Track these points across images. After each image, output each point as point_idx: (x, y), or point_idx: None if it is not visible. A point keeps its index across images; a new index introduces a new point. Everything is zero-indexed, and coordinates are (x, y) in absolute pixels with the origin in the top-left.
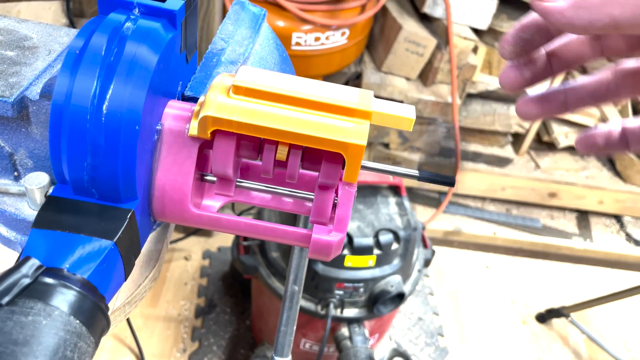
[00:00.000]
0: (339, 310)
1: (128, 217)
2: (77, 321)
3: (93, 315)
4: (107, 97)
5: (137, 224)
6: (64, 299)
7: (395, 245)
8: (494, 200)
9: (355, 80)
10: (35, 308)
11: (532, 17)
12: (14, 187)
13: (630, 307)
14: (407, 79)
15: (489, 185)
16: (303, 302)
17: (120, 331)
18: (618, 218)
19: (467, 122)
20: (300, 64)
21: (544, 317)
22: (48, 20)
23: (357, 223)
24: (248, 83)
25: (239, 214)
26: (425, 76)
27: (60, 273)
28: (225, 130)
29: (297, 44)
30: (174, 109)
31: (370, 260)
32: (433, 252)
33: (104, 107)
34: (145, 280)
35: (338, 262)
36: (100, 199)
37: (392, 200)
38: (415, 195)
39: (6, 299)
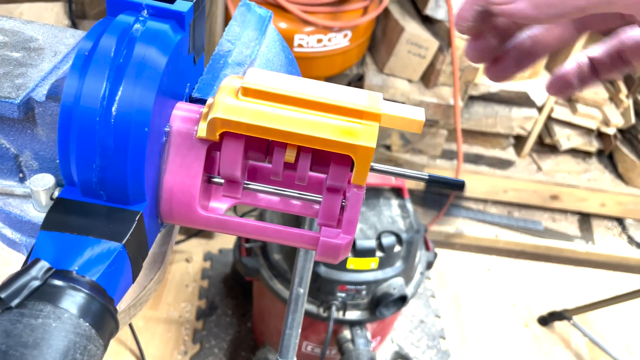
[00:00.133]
0: (341, 312)
1: (136, 219)
2: (87, 324)
3: (102, 318)
4: (117, 98)
5: (145, 226)
6: (73, 301)
7: (397, 248)
8: (495, 202)
9: (357, 82)
10: (45, 310)
11: None
12: (19, 189)
13: (633, 310)
14: (409, 80)
15: (490, 187)
16: (305, 305)
17: (121, 333)
18: (620, 221)
19: (469, 124)
20: (302, 65)
21: (546, 320)
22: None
23: (359, 225)
24: (257, 85)
25: (241, 216)
26: (427, 78)
27: (69, 275)
28: (234, 132)
29: (300, 45)
30: (182, 111)
31: (373, 262)
32: (435, 255)
33: (113, 108)
34: (150, 283)
35: (340, 264)
36: (108, 201)
37: (395, 202)
38: (417, 198)
39: (16, 302)
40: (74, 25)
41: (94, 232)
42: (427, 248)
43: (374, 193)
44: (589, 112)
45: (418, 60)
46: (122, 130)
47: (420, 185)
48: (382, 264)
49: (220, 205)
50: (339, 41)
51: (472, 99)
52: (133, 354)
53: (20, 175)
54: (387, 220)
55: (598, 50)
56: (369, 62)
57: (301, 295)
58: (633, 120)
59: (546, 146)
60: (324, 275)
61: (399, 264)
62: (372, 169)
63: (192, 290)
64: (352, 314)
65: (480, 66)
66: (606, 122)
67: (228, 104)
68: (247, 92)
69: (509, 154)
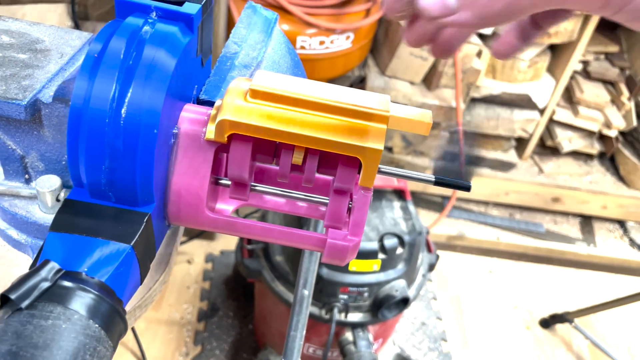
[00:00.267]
0: (343, 314)
1: (145, 220)
2: (96, 325)
3: (111, 319)
4: (126, 100)
5: (153, 227)
6: (83, 302)
7: (400, 250)
8: (497, 204)
9: (359, 84)
10: (55, 312)
11: None
12: (25, 190)
13: (634, 313)
14: (411, 83)
15: (492, 189)
16: None
17: None
18: (622, 223)
19: (471, 126)
20: (305, 67)
21: (547, 323)
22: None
23: None
24: (265, 87)
25: (244, 217)
26: (429, 80)
27: (78, 276)
28: (242, 134)
29: (302, 47)
30: (190, 113)
31: (375, 264)
32: (437, 257)
33: (123, 110)
34: (155, 284)
35: (342, 266)
36: (116, 203)
37: (397, 204)
38: (418, 200)
39: (26, 303)
40: (77, 26)
41: (102, 233)
42: (429, 250)
43: (376, 195)
44: (590, 114)
45: (420, 62)
46: (132, 132)
47: (421, 187)
48: (384, 266)
49: (226, 206)
50: (341, 43)
51: (474, 101)
52: (134, 355)
53: (26, 176)
54: (389, 222)
55: None
56: (371, 64)
57: (306, 297)
58: (635, 122)
59: (548, 148)
60: (326, 277)
61: (401, 266)
62: (379, 171)
63: (194, 291)
64: (354, 316)
65: (482, 69)
66: (608, 125)
67: (236, 106)
68: (256, 94)
69: (511, 156)
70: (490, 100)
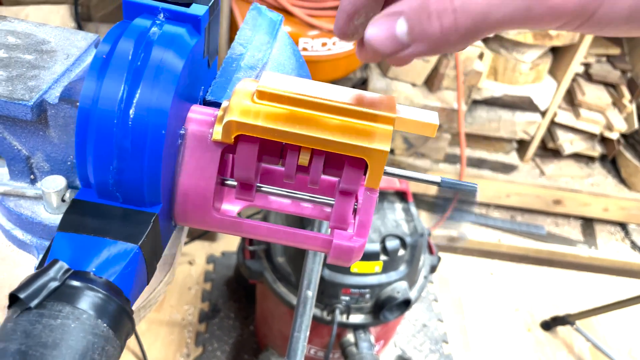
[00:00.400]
0: (344, 316)
1: (152, 221)
2: (105, 325)
3: (119, 319)
4: (134, 101)
5: (160, 227)
6: (91, 302)
7: (401, 251)
8: (498, 206)
9: (361, 85)
10: (64, 311)
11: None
12: (31, 190)
13: (635, 315)
14: (413, 84)
15: (493, 191)
16: None
17: None
18: (623, 226)
19: (473, 128)
20: None
21: (548, 325)
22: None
23: None
24: (272, 88)
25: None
26: (431, 82)
27: (86, 276)
28: (249, 135)
29: (304, 49)
30: (197, 114)
31: (377, 266)
32: (439, 259)
33: (131, 111)
34: (160, 285)
35: (344, 267)
36: (124, 203)
37: (399, 206)
38: (420, 201)
39: (35, 302)
40: (80, 27)
41: (110, 233)
42: (431, 252)
43: (378, 196)
44: (592, 116)
45: (422, 64)
46: (140, 132)
47: (422, 189)
48: (386, 268)
49: (232, 207)
50: (343, 45)
51: (476, 103)
52: (136, 356)
53: (32, 176)
54: (391, 224)
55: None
56: (372, 66)
57: (309, 298)
58: (636, 125)
59: (549, 151)
60: (328, 278)
61: (403, 268)
62: (385, 173)
63: (195, 292)
64: (356, 318)
65: (484, 71)
66: (609, 127)
67: (244, 107)
68: (263, 95)
69: (512, 158)
70: (491, 102)
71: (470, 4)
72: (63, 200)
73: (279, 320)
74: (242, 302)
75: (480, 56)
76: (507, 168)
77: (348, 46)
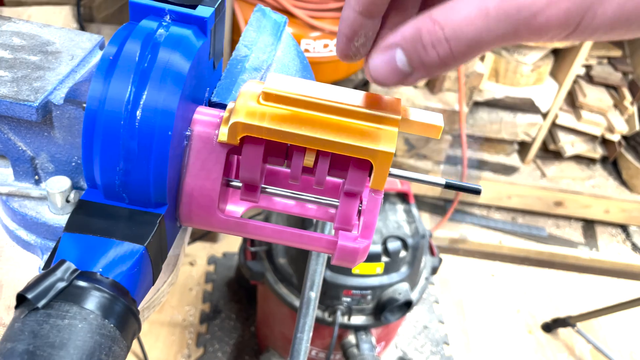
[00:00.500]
0: (346, 317)
1: (158, 221)
2: (111, 325)
3: (126, 319)
4: (141, 102)
5: (166, 228)
6: (98, 302)
7: (403, 253)
8: (499, 208)
9: (362, 87)
10: (71, 311)
11: (352, 20)
12: (35, 191)
13: (637, 317)
14: (414, 86)
15: (495, 193)
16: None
17: None
18: (624, 228)
19: (474, 130)
20: None
21: (549, 327)
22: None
23: None
24: (278, 90)
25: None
26: (432, 84)
27: (93, 276)
28: (254, 137)
29: (306, 50)
30: (202, 115)
31: (378, 267)
32: (440, 260)
33: (138, 112)
34: (164, 285)
35: (346, 269)
36: (130, 204)
37: (400, 207)
38: (421, 203)
39: (42, 302)
40: (82, 28)
41: (116, 234)
42: (432, 253)
43: None
44: (593, 118)
45: None
46: (146, 133)
47: (423, 190)
48: (388, 269)
49: (236, 208)
50: None
51: (477, 104)
52: (137, 357)
53: (36, 177)
54: (392, 225)
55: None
56: None
57: (313, 299)
58: (637, 127)
59: (550, 152)
60: (330, 279)
61: (404, 269)
62: (390, 174)
63: (196, 293)
64: (357, 319)
65: (485, 72)
66: (610, 129)
67: (249, 108)
68: (269, 97)
69: (513, 160)
70: (493, 104)
71: (462, 32)
72: (67, 201)
73: (280, 321)
74: (243, 303)
75: (482, 58)
76: (509, 170)
77: None
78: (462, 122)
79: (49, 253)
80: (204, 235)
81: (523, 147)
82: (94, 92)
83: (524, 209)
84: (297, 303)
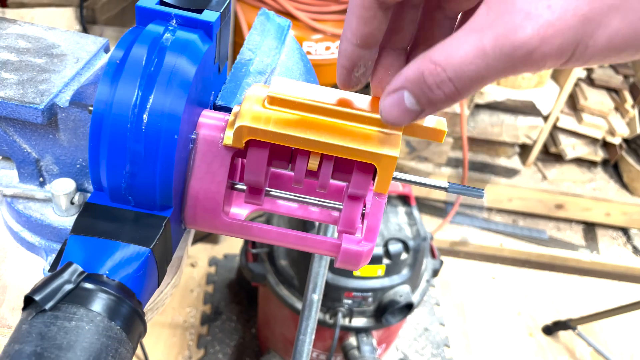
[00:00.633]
0: (347, 319)
1: (164, 224)
2: (118, 327)
3: (132, 321)
4: (148, 106)
5: (171, 231)
6: (105, 304)
7: (404, 255)
8: (500, 211)
9: (364, 89)
10: (78, 313)
11: (350, 52)
12: (40, 193)
13: (638, 320)
14: None
15: (495, 195)
16: None
17: None
18: (625, 230)
19: (475, 132)
20: None
21: (550, 329)
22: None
23: None
24: (283, 94)
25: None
26: None
27: (99, 279)
28: (259, 140)
29: (308, 53)
30: (208, 119)
31: (380, 269)
32: (441, 263)
33: (144, 116)
34: (167, 287)
35: (347, 271)
36: (136, 206)
37: (402, 209)
38: (422, 205)
39: (50, 304)
40: (85, 30)
41: (122, 236)
42: (433, 256)
43: None
44: (594, 121)
45: None
46: (153, 137)
47: (424, 192)
48: (389, 271)
49: (240, 210)
50: None
51: (478, 107)
52: (138, 358)
53: (41, 179)
54: (394, 228)
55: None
56: None
57: (315, 302)
58: (638, 130)
59: (551, 155)
60: (331, 281)
61: (405, 272)
62: (394, 178)
63: (197, 295)
64: (358, 321)
65: None
66: (611, 132)
67: (255, 112)
68: (273, 101)
69: (514, 162)
70: (494, 107)
71: (463, 72)
72: (72, 203)
73: (281, 323)
74: (244, 305)
75: None
76: (510, 172)
77: None
78: (463, 125)
79: (54, 255)
80: (205, 237)
81: (524, 150)
82: (101, 96)
83: (524, 212)
84: (298, 305)
